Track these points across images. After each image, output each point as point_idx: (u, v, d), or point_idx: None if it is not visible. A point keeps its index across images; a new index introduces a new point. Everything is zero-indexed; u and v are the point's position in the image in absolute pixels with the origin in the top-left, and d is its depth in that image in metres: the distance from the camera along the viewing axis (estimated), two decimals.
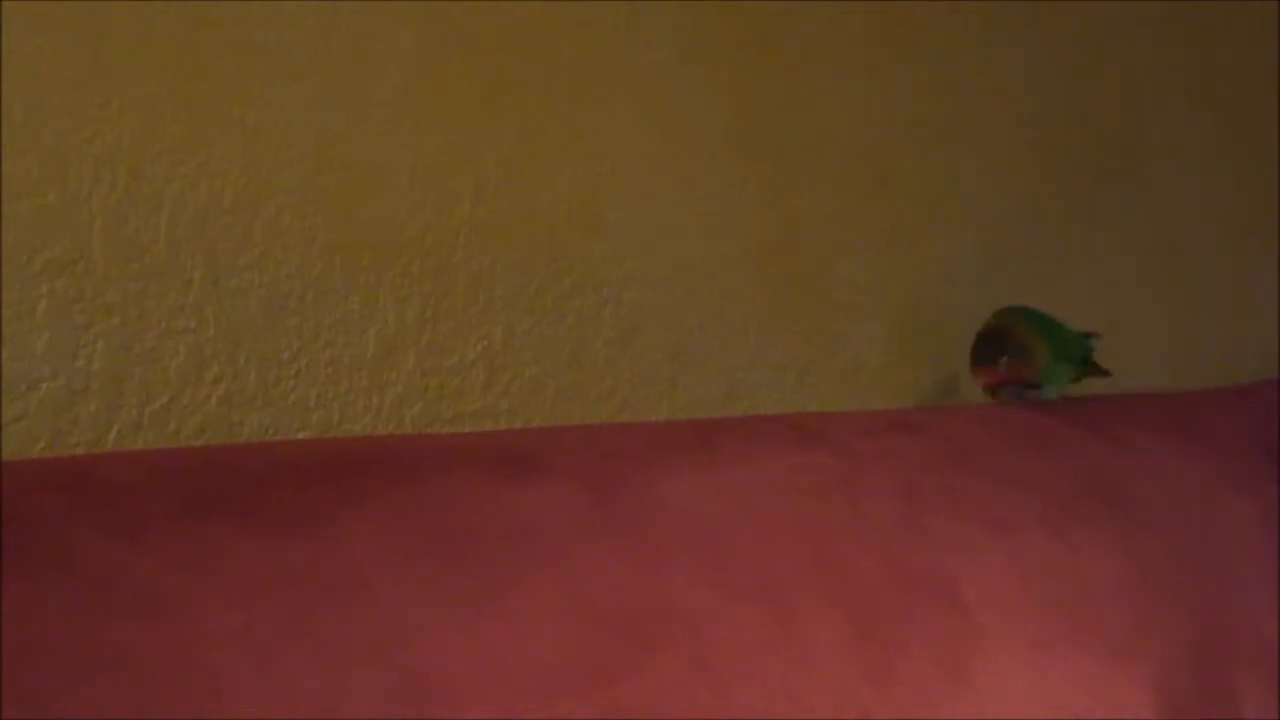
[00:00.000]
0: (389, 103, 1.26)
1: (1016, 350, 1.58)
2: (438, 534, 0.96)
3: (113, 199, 1.13)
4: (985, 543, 1.24)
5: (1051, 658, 1.21)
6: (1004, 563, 1.23)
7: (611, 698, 0.95)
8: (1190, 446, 1.56)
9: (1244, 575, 1.47)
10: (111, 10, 1.12)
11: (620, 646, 0.98)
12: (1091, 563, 1.30)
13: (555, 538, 1.01)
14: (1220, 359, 2.01)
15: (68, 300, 1.11)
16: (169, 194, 1.15)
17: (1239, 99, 2.10)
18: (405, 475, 1.01)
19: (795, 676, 1.06)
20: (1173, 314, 1.94)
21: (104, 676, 0.78)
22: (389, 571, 0.92)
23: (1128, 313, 1.87)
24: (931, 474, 1.27)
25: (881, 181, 1.63)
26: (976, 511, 1.26)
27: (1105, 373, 1.70)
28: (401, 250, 1.26)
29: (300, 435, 1.20)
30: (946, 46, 1.68)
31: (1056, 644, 1.22)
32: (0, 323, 1.07)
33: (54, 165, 1.11)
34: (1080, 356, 1.68)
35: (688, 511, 1.09)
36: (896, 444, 1.30)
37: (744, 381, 1.47)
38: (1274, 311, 2.11)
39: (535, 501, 1.03)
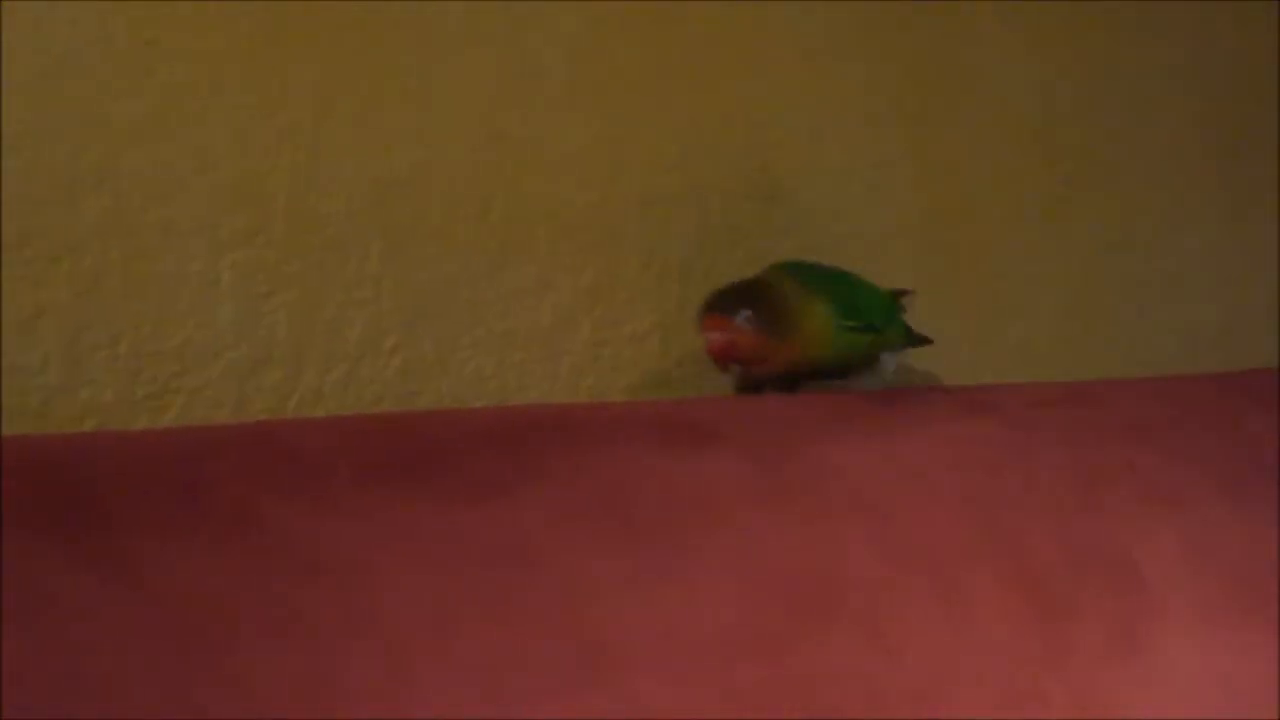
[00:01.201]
0: (560, 76, 1.27)
1: (766, 314, 1.20)
2: (612, 502, 0.97)
3: (293, 172, 1.15)
4: (1159, 516, 1.23)
5: (1225, 633, 1.19)
6: (1177, 536, 1.22)
7: (785, 665, 0.95)
8: None
9: None
10: None
11: (793, 615, 0.98)
12: (1265, 537, 1.28)
13: (729, 507, 1.01)
14: None
15: (251, 271, 1.13)
16: (347, 167, 1.17)
17: None
18: (580, 444, 1.02)
19: (966, 647, 1.05)
20: None
21: (286, 637, 0.80)
22: (564, 538, 0.93)
23: None
24: (1105, 446, 1.26)
25: (1049, 150, 1.61)
26: (1150, 484, 1.25)
27: (924, 340, 1.37)
28: (575, 221, 1.27)
29: (476, 404, 1.22)
30: (1112, 13, 1.66)
31: (1230, 619, 1.21)
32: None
33: (236, 140, 1.13)
34: (889, 326, 1.32)
35: (860, 481, 1.09)
36: (1070, 416, 1.29)
37: (915, 352, 1.46)
38: None
39: (709, 471, 1.03)
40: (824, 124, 1.43)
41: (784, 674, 0.95)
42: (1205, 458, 1.32)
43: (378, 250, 1.18)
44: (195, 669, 0.76)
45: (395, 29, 1.19)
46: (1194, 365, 1.60)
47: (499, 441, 0.99)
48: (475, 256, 1.22)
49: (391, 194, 1.19)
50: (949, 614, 1.06)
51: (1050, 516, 1.17)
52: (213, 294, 1.12)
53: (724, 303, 1.19)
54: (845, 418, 1.17)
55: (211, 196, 1.12)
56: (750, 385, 1.23)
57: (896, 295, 1.35)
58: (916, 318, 1.38)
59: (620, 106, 1.30)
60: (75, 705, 0.71)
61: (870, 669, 1.00)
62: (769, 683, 0.94)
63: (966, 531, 1.11)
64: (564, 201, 1.27)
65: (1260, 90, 1.78)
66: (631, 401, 1.26)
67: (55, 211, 1.07)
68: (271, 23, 1.14)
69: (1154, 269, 1.65)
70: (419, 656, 0.83)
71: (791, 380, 1.25)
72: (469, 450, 0.96)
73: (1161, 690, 1.13)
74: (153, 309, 1.10)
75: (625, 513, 0.97)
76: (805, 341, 1.23)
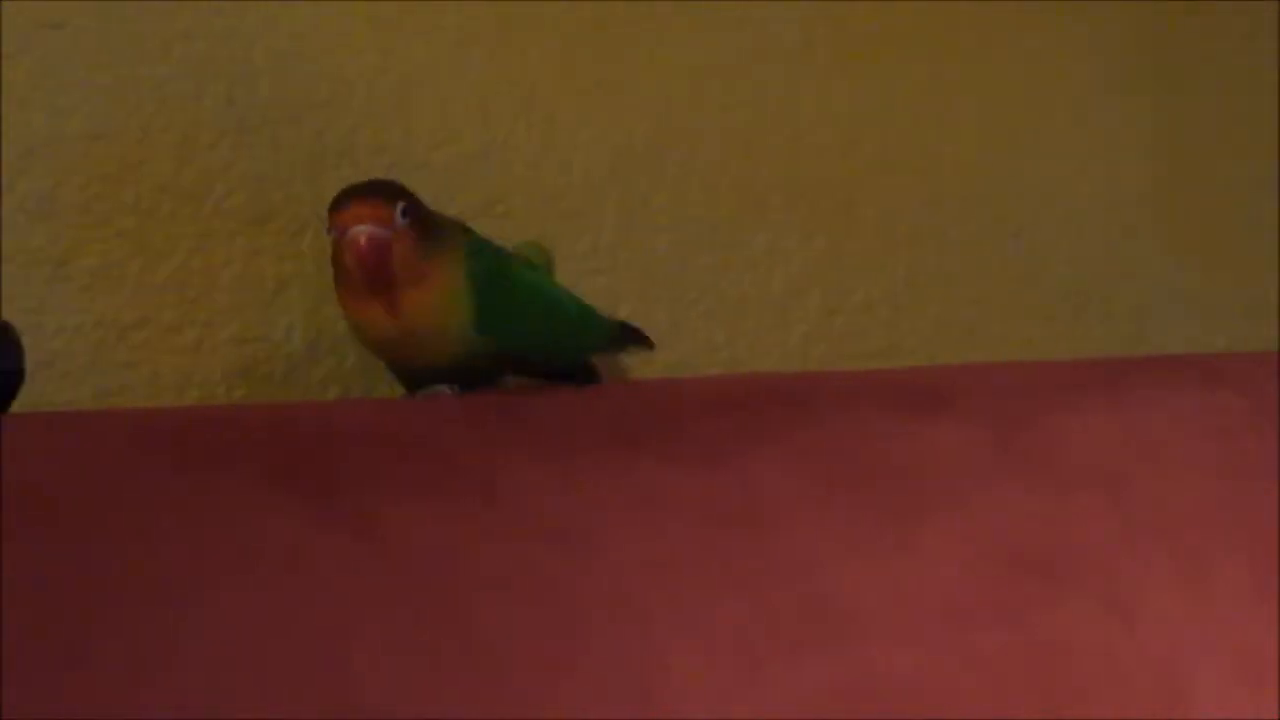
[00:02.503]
0: (795, 45, 1.27)
1: (424, 225, 0.92)
2: (844, 469, 0.97)
3: (530, 143, 1.16)
4: None
5: None
6: None
7: (1020, 632, 0.95)
8: None
9: None
10: None
11: (1028, 583, 0.98)
12: None
13: (961, 474, 1.01)
14: None
15: None
16: (583, 138, 1.19)
17: None
18: (812, 411, 1.02)
19: (1201, 618, 1.04)
20: None
21: (527, 599, 0.81)
22: (797, 504, 0.93)
23: None
24: None
25: None
26: None
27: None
28: (807, 190, 1.27)
29: (708, 373, 1.23)
30: None
31: None
32: None
33: (475, 112, 1.15)
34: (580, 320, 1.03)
35: (1094, 450, 1.08)
36: None
37: (1149, 321, 1.45)
38: None
39: (941, 438, 1.03)
40: (1056, 90, 1.42)
41: (1019, 641, 0.95)
42: None
43: (613, 220, 1.19)
44: (438, 628, 0.78)
45: (630, 2, 1.21)
46: None
47: (732, 409, 1.00)
48: (708, 225, 1.23)
49: (626, 164, 1.20)
50: (1186, 584, 1.05)
51: None
52: None
53: (384, 187, 0.92)
54: (1078, 387, 1.16)
55: (449, 169, 1.14)
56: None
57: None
58: (1153, 286, 1.36)
59: (854, 75, 1.30)
60: (331, 655, 0.73)
61: (1106, 638, 0.99)
62: (1005, 649, 0.94)
63: (1203, 501, 1.10)
64: (796, 169, 1.27)
65: None
66: (863, 370, 1.26)
67: (299, 187, 1.10)
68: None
69: None
70: (654, 617, 0.84)
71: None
72: (703, 418, 0.97)
73: None
74: None
75: (857, 479, 0.97)
76: (421, 309, 0.93)
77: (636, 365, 1.19)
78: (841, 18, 1.29)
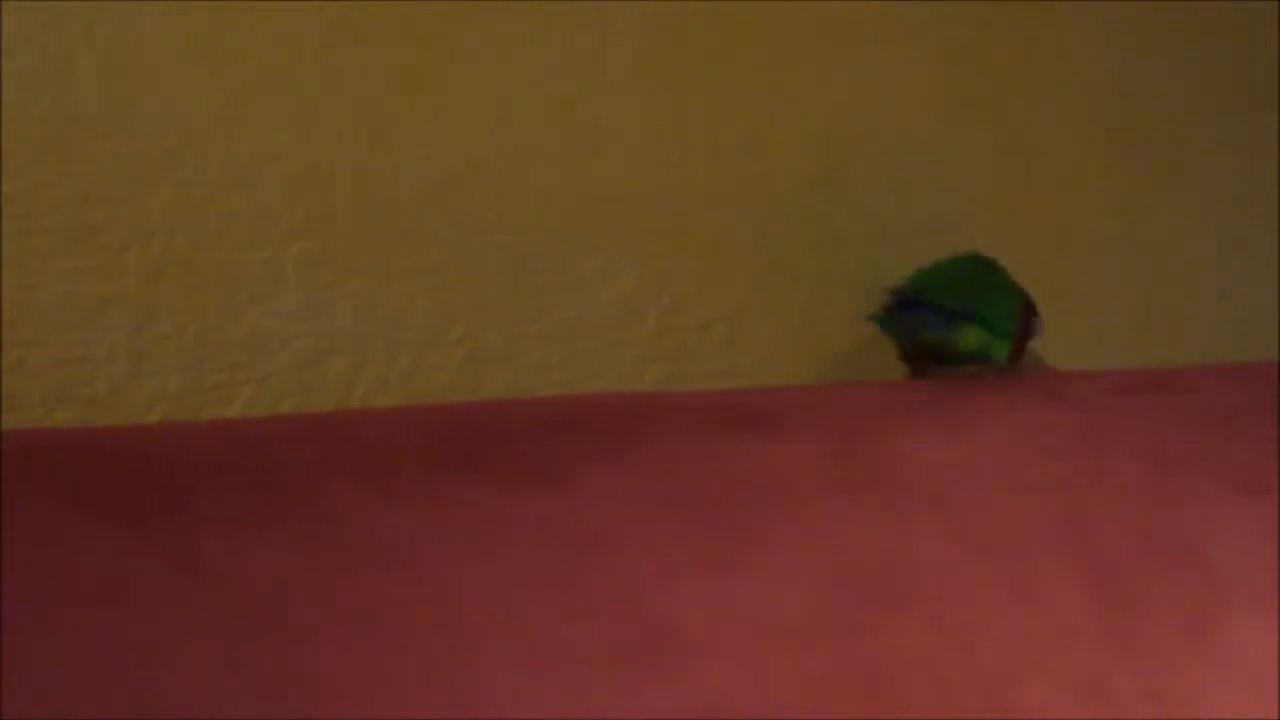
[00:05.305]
0: (626, 66, 1.27)
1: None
2: (679, 490, 0.97)
3: (358, 162, 1.15)
4: (1232, 504, 1.21)
5: None
6: (1251, 526, 1.21)
7: (855, 653, 0.95)
8: None
9: None
10: None
11: (861, 603, 0.98)
12: None
13: (797, 494, 1.01)
14: None
15: (315, 261, 1.13)
16: (413, 156, 1.17)
17: None
18: (646, 432, 1.02)
19: (1035, 636, 1.05)
20: None
21: (354, 623, 0.80)
22: (631, 525, 0.93)
23: None
24: (1179, 434, 1.25)
25: (1122, 140, 1.60)
26: (1224, 472, 1.23)
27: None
28: (640, 211, 1.27)
29: (542, 394, 1.22)
30: (1191, 10, 1.64)
31: None
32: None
33: (302, 131, 1.14)
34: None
35: (929, 469, 1.09)
36: (1143, 403, 1.28)
37: None
38: None
39: (776, 458, 1.03)
40: (893, 111, 1.42)
41: (854, 661, 0.95)
42: (1278, 444, 1.30)
43: (443, 239, 1.18)
44: (262, 655, 0.77)
45: (461, 20, 1.20)
46: (1268, 352, 1.58)
47: (564, 430, 0.99)
48: (541, 246, 1.22)
49: (457, 183, 1.19)
50: (1019, 602, 1.06)
51: (1122, 504, 1.16)
52: (278, 284, 1.12)
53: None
54: (914, 405, 1.16)
55: (277, 187, 1.12)
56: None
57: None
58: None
59: (687, 95, 1.30)
60: (142, 687, 0.72)
61: (940, 657, 0.99)
62: (839, 670, 0.94)
63: (1038, 519, 1.11)
64: (630, 190, 1.27)
65: None
66: (697, 390, 1.26)
67: (123, 203, 1.08)
68: (339, 17, 1.15)
69: (1228, 256, 1.64)
70: (486, 643, 0.83)
71: None
72: (535, 439, 0.97)
73: (1231, 678, 1.12)
74: (218, 299, 1.10)
75: (692, 499, 0.97)
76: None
77: (470, 386, 1.18)
78: (675, 37, 1.29)
